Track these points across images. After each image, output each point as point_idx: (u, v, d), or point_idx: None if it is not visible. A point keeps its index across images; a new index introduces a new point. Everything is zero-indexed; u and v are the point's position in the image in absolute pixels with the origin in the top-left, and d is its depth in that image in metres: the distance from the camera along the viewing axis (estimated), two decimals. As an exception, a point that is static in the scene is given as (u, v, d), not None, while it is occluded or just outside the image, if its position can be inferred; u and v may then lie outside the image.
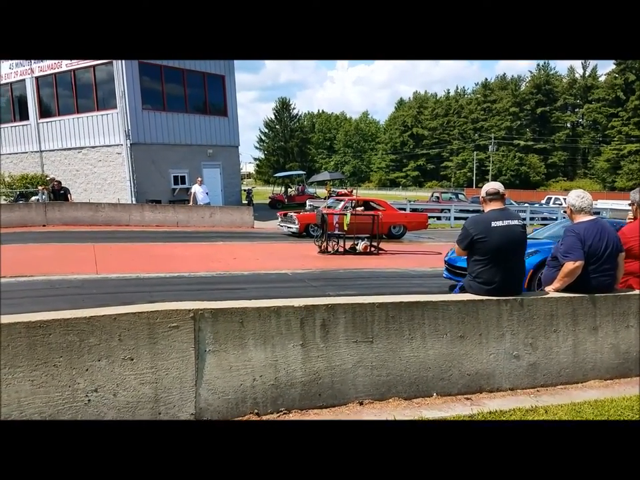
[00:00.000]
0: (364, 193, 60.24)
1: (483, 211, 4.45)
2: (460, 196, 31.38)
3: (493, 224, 4.22)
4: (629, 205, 5.10)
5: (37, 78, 23.05)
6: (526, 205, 28.66)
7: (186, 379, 3.46)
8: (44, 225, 16.12)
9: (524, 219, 25.78)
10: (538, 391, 4.39)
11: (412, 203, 26.22)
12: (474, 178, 75.41)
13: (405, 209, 22.85)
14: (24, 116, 23.95)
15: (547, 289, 4.60)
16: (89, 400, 3.23)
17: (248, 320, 3.60)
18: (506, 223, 4.24)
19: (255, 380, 3.65)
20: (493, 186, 4.46)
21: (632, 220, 5.09)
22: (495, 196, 4.40)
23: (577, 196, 4.62)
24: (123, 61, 20.07)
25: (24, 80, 23.46)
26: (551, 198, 33.33)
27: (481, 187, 4.68)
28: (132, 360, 3.32)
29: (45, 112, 23.39)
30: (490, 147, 73.56)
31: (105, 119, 21.17)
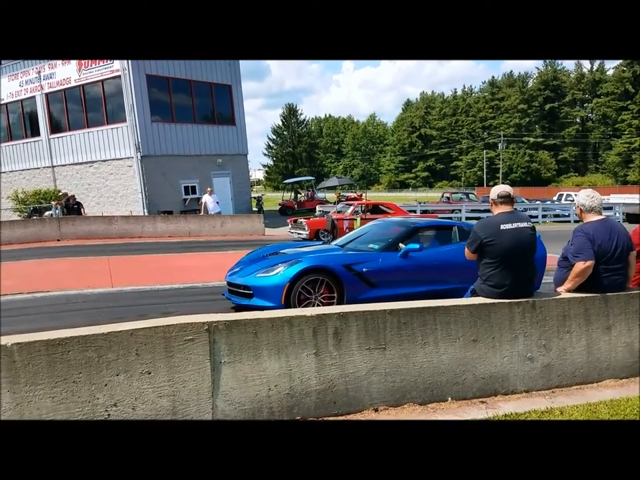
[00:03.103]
0: (374, 195, 60.19)
1: (492, 213, 4.48)
2: (470, 196, 31.28)
3: (502, 227, 4.24)
4: None
5: (46, 94, 23.39)
6: (537, 202, 28.50)
7: (203, 391, 3.51)
8: (58, 240, 16.31)
9: (536, 217, 25.67)
10: (553, 392, 4.39)
11: (422, 204, 26.22)
12: (484, 177, 75.11)
13: (415, 211, 22.83)
14: (35, 132, 24.32)
15: (559, 289, 4.60)
16: (109, 414, 3.29)
17: (261, 331, 3.65)
18: (515, 225, 4.26)
19: (270, 390, 3.69)
20: (503, 189, 4.49)
21: None
22: (506, 199, 4.43)
23: (587, 195, 4.63)
24: (131, 74, 20.32)
25: (34, 97, 23.82)
26: (562, 194, 33.06)
27: (492, 186, 4.70)
28: (149, 374, 3.38)
29: (55, 127, 23.73)
30: (499, 144, 73.28)
31: (115, 133, 21.43)
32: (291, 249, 7.90)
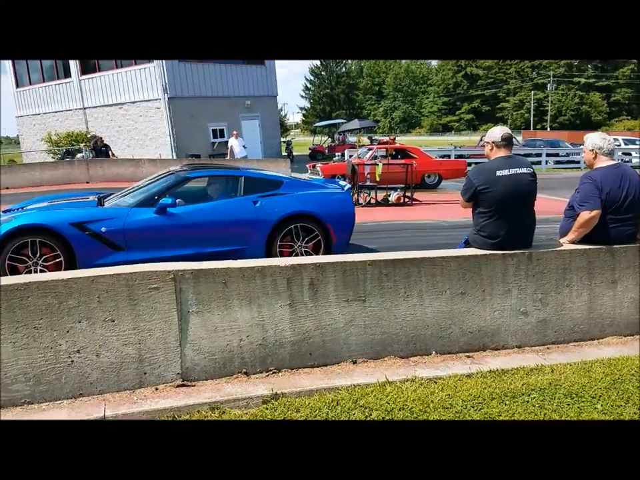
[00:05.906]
0: (413, 140, 58.71)
1: (489, 158, 4.14)
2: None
3: (498, 173, 3.91)
4: None
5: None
6: (581, 146, 27.09)
7: (170, 340, 3.44)
8: (87, 182, 16.54)
9: (578, 162, 24.48)
10: (548, 348, 4.17)
11: (457, 148, 25.28)
12: (531, 119, 71.90)
13: (449, 156, 22.07)
14: (67, 73, 24.34)
15: (562, 240, 4.30)
16: (72, 361, 3.26)
17: (232, 280, 3.53)
18: (512, 171, 3.92)
19: (241, 340, 3.60)
20: (506, 130, 4.14)
21: None
22: (508, 141, 4.09)
23: (603, 138, 4.30)
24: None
25: (65, 37, 23.70)
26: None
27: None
28: (113, 321, 3.32)
29: (86, 68, 23.65)
30: (549, 85, 69.61)
31: (143, 73, 21.23)
32: (46, 203, 6.42)
